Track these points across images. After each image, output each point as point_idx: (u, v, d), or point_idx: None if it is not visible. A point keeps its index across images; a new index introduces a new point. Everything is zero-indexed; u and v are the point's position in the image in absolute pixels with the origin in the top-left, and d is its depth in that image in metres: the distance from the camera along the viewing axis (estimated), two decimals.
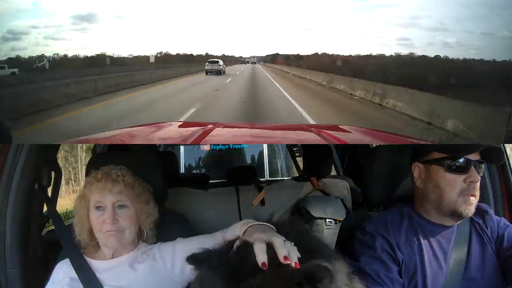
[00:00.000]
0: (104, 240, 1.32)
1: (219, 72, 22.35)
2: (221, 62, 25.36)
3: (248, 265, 0.86)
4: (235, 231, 1.15)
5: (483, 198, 1.58)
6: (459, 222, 1.30)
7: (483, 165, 1.30)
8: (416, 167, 1.34)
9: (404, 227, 1.32)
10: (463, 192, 1.26)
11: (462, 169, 1.26)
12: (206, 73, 22.56)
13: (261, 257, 0.86)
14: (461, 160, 1.27)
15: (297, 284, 0.81)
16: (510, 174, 1.64)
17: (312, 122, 7.63)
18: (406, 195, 1.45)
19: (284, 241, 0.91)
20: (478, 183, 1.28)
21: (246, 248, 0.91)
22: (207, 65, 24.39)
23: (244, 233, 1.08)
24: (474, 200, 1.27)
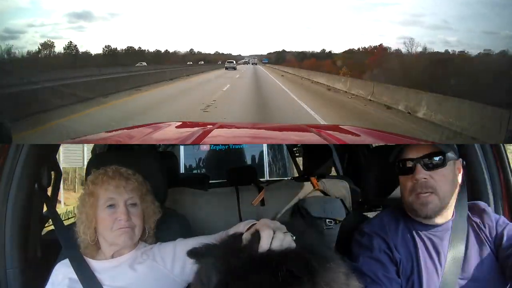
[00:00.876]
0: (114, 238, 1.31)
1: (234, 68, 32.88)
2: (234, 62, 37.64)
3: (244, 257, 0.88)
4: (239, 228, 1.15)
5: (482, 197, 1.58)
6: (449, 221, 1.30)
7: (437, 159, 1.27)
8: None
9: (400, 228, 1.33)
10: (412, 191, 1.27)
11: (408, 170, 1.28)
12: (226, 69, 33.66)
13: (266, 241, 0.90)
14: (405, 161, 1.29)
15: (269, 262, 0.85)
16: (510, 174, 1.64)
17: None
18: None
19: (284, 232, 0.95)
20: (433, 180, 1.25)
21: (255, 236, 0.95)
22: (227, 63, 36.86)
23: (248, 230, 1.09)
24: (428, 197, 1.25)
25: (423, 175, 1.26)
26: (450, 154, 1.29)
